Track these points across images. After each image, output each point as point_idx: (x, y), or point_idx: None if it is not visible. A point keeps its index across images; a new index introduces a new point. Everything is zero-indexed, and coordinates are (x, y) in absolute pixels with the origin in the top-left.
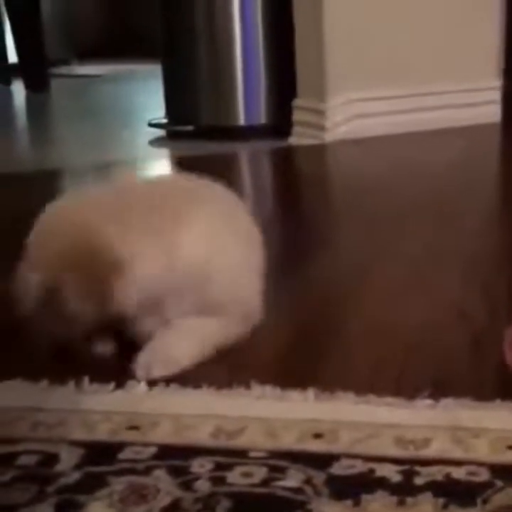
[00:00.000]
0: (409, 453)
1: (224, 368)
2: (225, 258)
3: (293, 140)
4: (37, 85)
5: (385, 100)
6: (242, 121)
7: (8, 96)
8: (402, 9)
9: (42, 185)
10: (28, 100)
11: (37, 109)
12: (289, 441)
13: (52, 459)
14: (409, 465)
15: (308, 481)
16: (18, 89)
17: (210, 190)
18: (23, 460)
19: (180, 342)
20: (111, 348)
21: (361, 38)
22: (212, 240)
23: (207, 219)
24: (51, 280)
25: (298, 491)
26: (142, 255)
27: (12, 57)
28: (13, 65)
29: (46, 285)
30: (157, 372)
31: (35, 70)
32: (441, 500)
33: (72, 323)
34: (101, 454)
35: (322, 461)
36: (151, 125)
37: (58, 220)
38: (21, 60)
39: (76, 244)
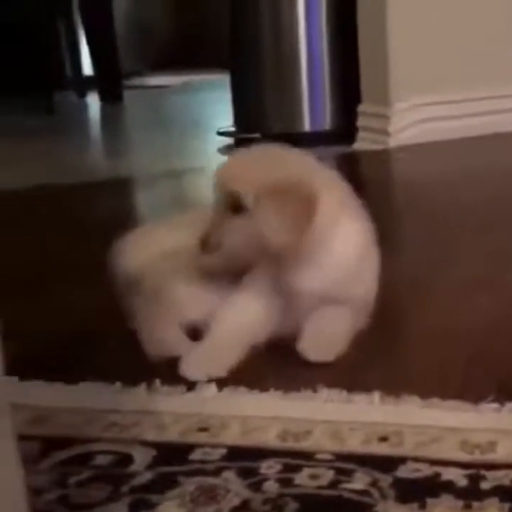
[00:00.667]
0: (475, 457)
1: (291, 371)
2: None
3: (357, 145)
4: (111, 97)
5: (449, 104)
6: (307, 127)
7: (84, 107)
8: (467, 12)
9: (115, 193)
10: (103, 111)
11: (110, 119)
12: (355, 444)
13: (125, 459)
14: (475, 469)
15: (374, 484)
16: (93, 101)
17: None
18: (99, 460)
19: (335, 329)
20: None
21: (425, 42)
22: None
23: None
24: (256, 195)
25: (364, 493)
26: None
27: (87, 70)
28: (89, 78)
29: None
30: (318, 357)
31: (109, 82)
32: (507, 505)
33: (253, 245)
34: (172, 455)
35: (388, 464)
36: (219, 133)
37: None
38: (96, 73)
39: (280, 172)
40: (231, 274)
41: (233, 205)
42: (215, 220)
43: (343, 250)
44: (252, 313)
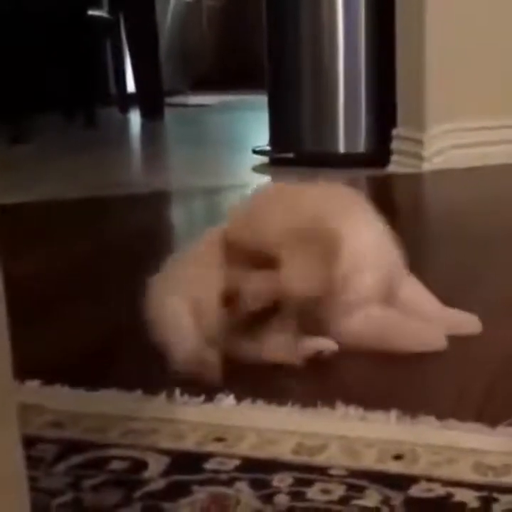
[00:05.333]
0: (489, 479)
1: (310, 386)
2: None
3: (391, 168)
4: (152, 114)
5: (484, 130)
6: (341, 149)
7: (126, 124)
8: (504, 39)
9: (149, 207)
10: (144, 128)
11: (151, 135)
12: (368, 461)
13: (140, 465)
14: (488, 491)
15: (385, 502)
16: (135, 118)
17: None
18: (114, 465)
19: None
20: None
21: (462, 68)
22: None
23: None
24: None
25: (375, 510)
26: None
27: (131, 87)
28: (131, 95)
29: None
30: None
31: (151, 99)
32: None
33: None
34: (187, 463)
35: (401, 482)
36: (255, 152)
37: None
38: (139, 90)
39: (302, 218)
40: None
41: (256, 260)
42: (237, 275)
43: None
44: None
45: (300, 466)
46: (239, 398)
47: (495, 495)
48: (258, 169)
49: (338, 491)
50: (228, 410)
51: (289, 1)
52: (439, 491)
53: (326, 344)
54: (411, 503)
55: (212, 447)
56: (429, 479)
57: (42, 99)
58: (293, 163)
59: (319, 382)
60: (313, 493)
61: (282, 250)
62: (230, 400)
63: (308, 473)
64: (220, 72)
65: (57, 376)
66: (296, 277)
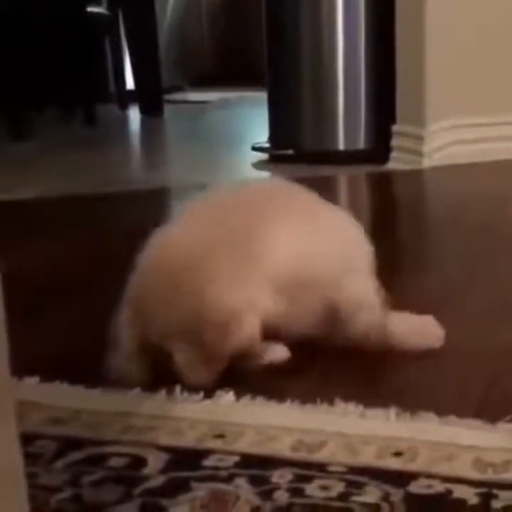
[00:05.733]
0: (488, 476)
1: (309, 383)
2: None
3: (391, 165)
4: (152, 110)
5: (483, 127)
6: (341, 146)
7: (125, 120)
8: (504, 36)
9: (148, 203)
10: (143, 124)
11: (150, 132)
12: (368, 458)
13: (140, 462)
14: (488, 488)
15: (385, 498)
16: (134, 114)
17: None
18: (113, 462)
19: None
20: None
21: (462, 64)
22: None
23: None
24: (159, 342)
25: (375, 507)
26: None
27: (130, 84)
28: (130, 92)
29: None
30: None
31: (150, 96)
32: None
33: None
34: (186, 460)
35: (400, 478)
36: (254, 149)
37: (162, 270)
38: (138, 87)
39: (183, 309)
40: None
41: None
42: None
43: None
44: None
45: (299, 462)
46: (238, 395)
47: (494, 491)
48: (258, 166)
49: (338, 487)
50: (228, 407)
51: None
52: (439, 487)
53: (279, 353)
54: (411, 499)
55: (212, 444)
56: (429, 476)
57: (41, 97)
58: (292, 159)
59: (318, 379)
60: (312, 489)
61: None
62: (229, 396)
63: (308, 469)
64: (219, 68)
65: (56, 373)
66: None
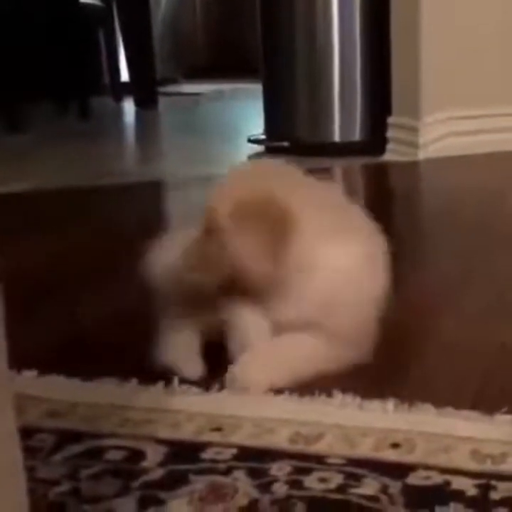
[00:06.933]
0: (486, 467)
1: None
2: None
3: (386, 157)
4: (146, 103)
5: (479, 119)
6: (337, 137)
7: (119, 113)
8: (498, 28)
9: (144, 196)
10: (137, 116)
11: (145, 124)
12: (366, 450)
13: (138, 455)
14: (486, 479)
15: (383, 490)
16: (129, 106)
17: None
18: (111, 455)
19: (273, 364)
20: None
21: (457, 56)
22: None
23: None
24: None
25: (373, 498)
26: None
27: (124, 76)
28: (125, 84)
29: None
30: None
31: (144, 88)
32: None
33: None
34: (184, 453)
35: (398, 470)
36: (250, 141)
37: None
38: (132, 79)
39: (262, 201)
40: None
41: (207, 226)
42: (197, 239)
43: (324, 277)
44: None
45: (297, 454)
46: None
47: (493, 482)
48: (253, 158)
49: (336, 479)
50: (225, 399)
51: None
52: (437, 478)
53: (191, 370)
54: (409, 490)
55: (210, 437)
56: (427, 467)
57: (35, 89)
58: (288, 151)
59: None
60: (310, 481)
61: (233, 223)
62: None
63: (306, 461)
64: (214, 60)
65: (54, 366)
66: (247, 256)
